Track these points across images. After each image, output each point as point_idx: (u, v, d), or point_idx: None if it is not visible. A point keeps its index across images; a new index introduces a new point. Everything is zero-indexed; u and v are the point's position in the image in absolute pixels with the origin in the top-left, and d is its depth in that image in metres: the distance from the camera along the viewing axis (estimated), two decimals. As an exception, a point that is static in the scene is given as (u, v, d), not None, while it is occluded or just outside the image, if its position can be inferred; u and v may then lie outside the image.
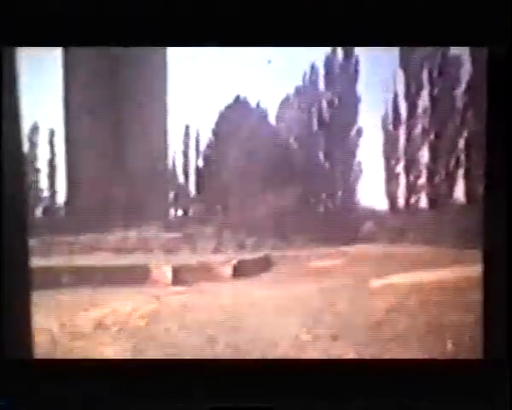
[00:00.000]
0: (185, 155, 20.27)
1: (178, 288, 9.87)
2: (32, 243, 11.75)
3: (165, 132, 19.08)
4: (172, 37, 4.35)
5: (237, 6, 4.24)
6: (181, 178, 20.22)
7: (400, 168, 19.72)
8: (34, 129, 15.66)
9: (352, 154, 20.49)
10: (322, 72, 21.18)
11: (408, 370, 4.70)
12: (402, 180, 19.70)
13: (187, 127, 20.06)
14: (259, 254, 13.55)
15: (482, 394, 4.34)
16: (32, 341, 4.49)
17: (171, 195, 19.33)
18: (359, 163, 20.53)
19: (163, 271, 10.67)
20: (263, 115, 21.47)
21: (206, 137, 20.80)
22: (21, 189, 4.51)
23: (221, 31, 4.33)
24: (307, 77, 21.41)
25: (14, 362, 4.44)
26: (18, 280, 4.39)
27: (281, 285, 9.75)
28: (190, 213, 18.99)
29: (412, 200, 19.56)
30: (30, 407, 4.40)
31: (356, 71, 20.62)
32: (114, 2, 4.33)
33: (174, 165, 20.12)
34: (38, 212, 15.54)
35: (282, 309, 7.35)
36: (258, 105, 21.79)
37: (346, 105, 20.52)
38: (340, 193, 20.52)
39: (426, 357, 5.66)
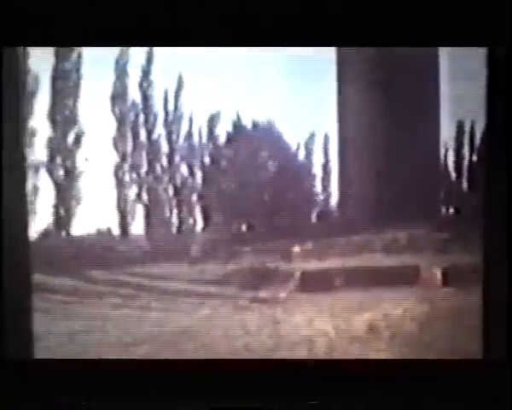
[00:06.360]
0: (458, 150, 19.71)
1: (449, 289, 9.80)
2: (308, 247, 12.71)
3: (437, 129, 18.81)
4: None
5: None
6: (453, 175, 19.73)
7: None
8: (311, 136, 16.68)
9: None
10: None
11: (408, 370, 4.59)
12: None
13: (459, 123, 19.48)
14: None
15: (482, 394, 4.33)
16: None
17: (443, 192, 18.97)
18: None
19: (433, 272, 10.67)
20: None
21: (479, 131, 20.00)
22: (22, 192, 4.93)
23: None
24: None
25: (14, 362, 4.83)
26: (19, 281, 4.84)
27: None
28: (463, 211, 18.44)
29: None
30: (31, 407, 4.76)
31: None
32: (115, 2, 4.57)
33: (446, 161, 19.70)
34: (313, 217, 16.40)
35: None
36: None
37: None
38: None
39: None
